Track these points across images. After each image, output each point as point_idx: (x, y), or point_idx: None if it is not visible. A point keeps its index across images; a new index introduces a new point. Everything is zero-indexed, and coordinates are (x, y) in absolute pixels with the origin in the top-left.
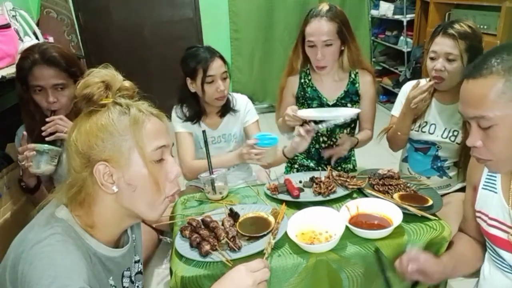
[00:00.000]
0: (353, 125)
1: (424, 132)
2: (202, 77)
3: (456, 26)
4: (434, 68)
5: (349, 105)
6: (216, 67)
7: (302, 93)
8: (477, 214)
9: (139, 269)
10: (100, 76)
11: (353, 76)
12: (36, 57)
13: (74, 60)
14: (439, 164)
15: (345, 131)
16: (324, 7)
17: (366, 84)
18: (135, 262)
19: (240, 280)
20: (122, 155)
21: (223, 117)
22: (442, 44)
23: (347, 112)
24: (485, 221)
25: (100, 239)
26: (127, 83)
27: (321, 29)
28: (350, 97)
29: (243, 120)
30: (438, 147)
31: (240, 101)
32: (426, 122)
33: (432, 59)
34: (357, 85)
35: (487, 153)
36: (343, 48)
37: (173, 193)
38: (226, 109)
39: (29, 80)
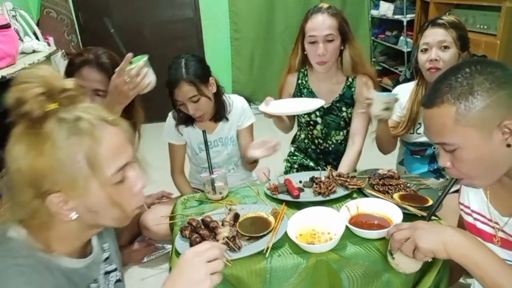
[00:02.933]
0: (348, 128)
1: (419, 133)
2: (172, 99)
3: (444, 17)
4: (428, 59)
5: (343, 108)
6: (181, 94)
7: (298, 93)
8: (460, 207)
9: (118, 277)
10: (37, 82)
11: (350, 80)
12: (90, 58)
13: None
14: (435, 167)
15: (341, 132)
16: (324, 5)
17: (363, 89)
18: (107, 272)
19: (191, 273)
20: (77, 184)
21: (218, 122)
22: (434, 34)
23: (310, 106)
24: (469, 214)
25: (61, 252)
26: (69, 83)
27: (323, 23)
28: (345, 101)
29: (238, 123)
30: (434, 147)
31: (236, 103)
32: (420, 124)
33: (424, 51)
34: (353, 89)
35: (458, 172)
36: (342, 47)
37: (140, 205)
38: (220, 115)
39: (74, 77)
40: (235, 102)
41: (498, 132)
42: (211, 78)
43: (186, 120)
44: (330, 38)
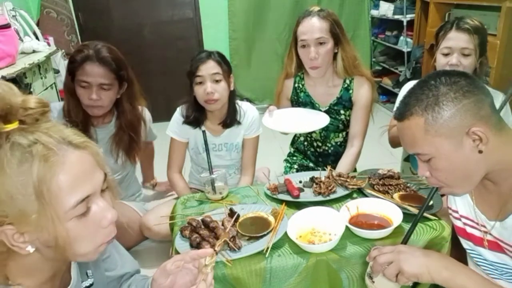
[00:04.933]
0: (347, 130)
1: None
2: (192, 77)
3: (468, 21)
4: (449, 63)
5: (341, 111)
6: (205, 68)
7: (295, 97)
8: (449, 211)
9: None
10: None
11: (347, 82)
12: (90, 53)
13: (124, 64)
14: None
15: (340, 135)
16: (315, 8)
17: (361, 90)
18: None
19: None
20: (29, 218)
21: (226, 128)
22: (457, 39)
23: (317, 125)
24: (458, 219)
25: (27, 285)
26: (31, 102)
27: (313, 26)
28: (343, 103)
29: (246, 132)
30: None
31: (249, 113)
32: None
33: (445, 55)
34: (351, 91)
35: (436, 181)
36: (336, 50)
37: (110, 239)
38: (231, 120)
39: (77, 74)
40: (249, 111)
41: (468, 139)
42: (231, 75)
43: (193, 121)
44: (322, 41)
